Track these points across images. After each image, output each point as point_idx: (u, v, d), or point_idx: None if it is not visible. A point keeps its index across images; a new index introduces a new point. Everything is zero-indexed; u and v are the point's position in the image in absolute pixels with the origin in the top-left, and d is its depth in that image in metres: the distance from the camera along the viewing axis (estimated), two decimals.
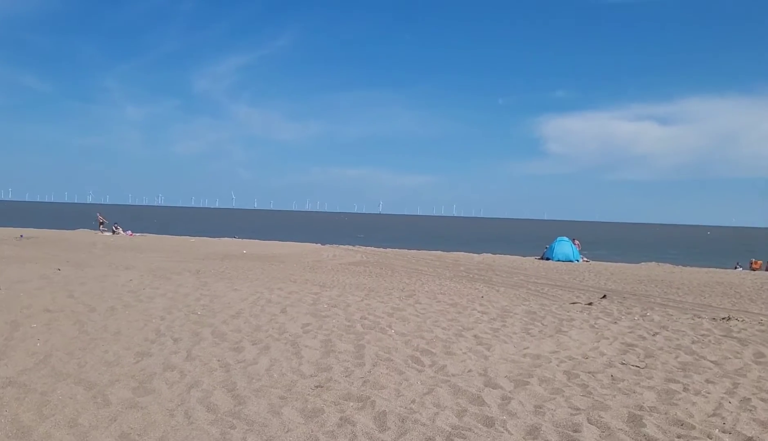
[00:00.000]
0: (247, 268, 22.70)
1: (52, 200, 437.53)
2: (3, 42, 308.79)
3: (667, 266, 30.65)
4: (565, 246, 31.25)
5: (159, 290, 10.96)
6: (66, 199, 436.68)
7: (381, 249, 37.49)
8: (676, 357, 8.04)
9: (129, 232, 40.73)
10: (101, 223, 42.17)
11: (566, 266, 28.04)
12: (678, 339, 9.20)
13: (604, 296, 17.90)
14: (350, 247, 38.67)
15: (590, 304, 16.48)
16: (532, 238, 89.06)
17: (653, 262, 33.16)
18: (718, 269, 29.68)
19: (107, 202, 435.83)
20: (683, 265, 31.95)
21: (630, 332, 9.57)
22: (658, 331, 9.76)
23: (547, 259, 31.12)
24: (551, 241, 35.26)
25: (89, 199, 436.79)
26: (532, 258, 32.86)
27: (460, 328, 9.02)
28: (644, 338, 9.12)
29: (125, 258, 24.72)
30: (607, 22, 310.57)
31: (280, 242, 40.86)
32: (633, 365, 7.66)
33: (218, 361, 6.99)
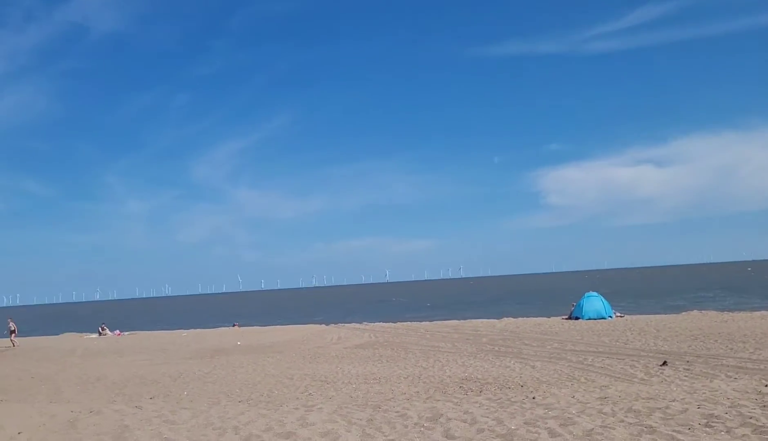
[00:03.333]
0: (238, 364, 19.61)
1: (60, 301, 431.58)
2: (6, 151, 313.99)
3: (713, 314, 27.35)
4: (595, 302, 27.99)
5: None
6: (74, 299, 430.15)
7: (391, 324, 34.25)
8: None
9: (117, 331, 37.61)
10: (12, 332, 32.44)
11: (601, 325, 24.80)
12: None
13: (665, 363, 14.77)
14: (357, 325, 35.45)
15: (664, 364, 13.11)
16: (546, 293, 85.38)
17: (695, 311, 29.78)
18: None
19: (115, 297, 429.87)
20: (729, 311, 28.63)
21: None
22: None
23: (576, 318, 27.84)
24: (575, 297, 32.13)
25: (97, 297, 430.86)
26: (559, 318, 29.58)
27: None
28: None
29: (101, 366, 21.66)
30: (592, 73, 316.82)
31: (282, 327, 37.61)
32: None
33: None
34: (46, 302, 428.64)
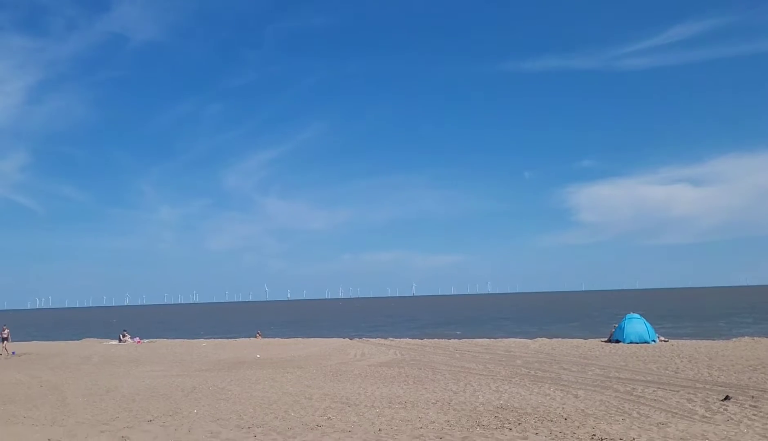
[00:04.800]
0: (255, 379, 18.46)
1: (91, 305, 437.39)
2: (45, 156, 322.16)
3: (767, 342, 25.36)
4: (637, 324, 26.19)
5: None
6: (104, 303, 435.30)
7: (418, 340, 32.83)
8: None
9: (137, 339, 36.87)
10: (4, 339, 30.28)
11: (645, 350, 23.07)
12: None
13: (727, 397, 13.14)
14: (382, 340, 34.12)
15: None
16: (579, 312, 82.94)
17: (746, 337, 27.76)
18: None
19: (143, 302, 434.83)
20: None
21: None
22: None
23: (617, 341, 26.08)
24: (609, 317, 30.37)
25: (126, 302, 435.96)
26: (597, 341, 27.84)
27: None
28: None
29: (114, 376, 20.74)
30: (627, 89, 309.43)
31: (304, 339, 36.47)
32: None
33: None
34: (77, 306, 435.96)
